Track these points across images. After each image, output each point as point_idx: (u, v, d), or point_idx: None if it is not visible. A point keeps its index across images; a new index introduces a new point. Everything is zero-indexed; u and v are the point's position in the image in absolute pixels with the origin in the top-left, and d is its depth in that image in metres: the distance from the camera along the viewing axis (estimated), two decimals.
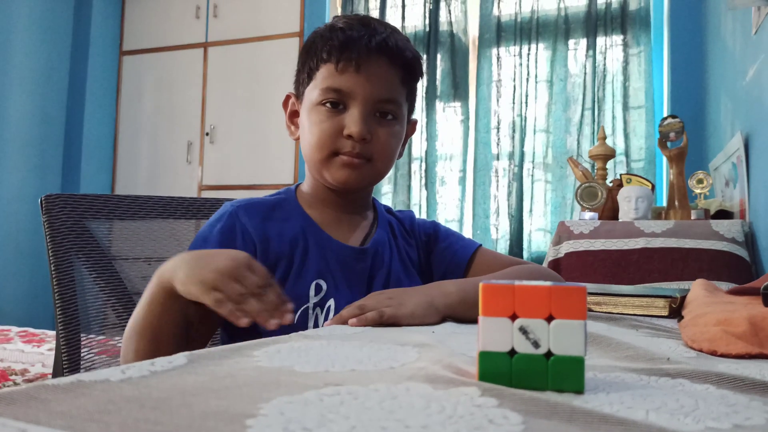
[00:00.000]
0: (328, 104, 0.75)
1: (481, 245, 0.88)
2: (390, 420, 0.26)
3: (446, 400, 0.30)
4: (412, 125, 0.87)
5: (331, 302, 0.75)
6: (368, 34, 0.75)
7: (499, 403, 0.29)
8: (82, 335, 0.78)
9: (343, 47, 0.74)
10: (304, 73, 0.80)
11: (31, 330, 2.34)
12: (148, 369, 0.35)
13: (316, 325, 0.73)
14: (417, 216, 0.93)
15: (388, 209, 0.90)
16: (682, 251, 1.55)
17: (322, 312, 0.74)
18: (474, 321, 0.66)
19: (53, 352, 1.93)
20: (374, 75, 0.75)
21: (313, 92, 0.77)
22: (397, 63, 0.77)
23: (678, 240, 1.59)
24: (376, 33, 0.76)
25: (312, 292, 0.74)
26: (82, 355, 0.77)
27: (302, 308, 0.73)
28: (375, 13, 3.01)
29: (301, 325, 0.72)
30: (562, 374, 0.33)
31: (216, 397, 0.29)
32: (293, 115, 0.83)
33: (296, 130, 0.83)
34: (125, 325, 0.83)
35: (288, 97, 0.84)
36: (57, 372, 0.74)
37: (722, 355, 0.48)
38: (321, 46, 0.77)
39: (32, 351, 1.97)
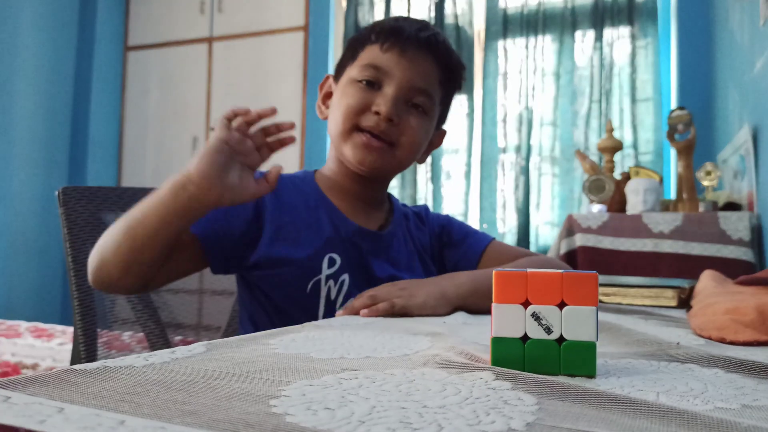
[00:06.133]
0: (364, 82, 0.77)
1: (493, 239, 0.89)
2: (408, 401, 0.27)
3: (461, 384, 0.31)
4: (440, 134, 0.88)
5: (346, 277, 0.76)
6: (419, 28, 0.78)
7: (513, 386, 0.30)
8: (97, 328, 0.79)
9: (393, 31, 0.77)
10: (348, 55, 0.82)
11: (41, 325, 2.37)
12: (170, 356, 0.36)
13: (328, 297, 0.75)
14: None
15: (403, 204, 0.92)
16: (691, 259, 1.57)
17: (335, 285, 0.75)
18: (485, 312, 0.67)
19: (63, 347, 1.97)
20: (416, 63, 0.77)
21: (353, 70, 0.79)
22: (440, 61, 0.79)
23: (686, 244, 1.60)
24: (427, 29, 0.78)
25: (325, 264, 0.75)
26: (98, 346, 0.78)
27: (314, 279, 0.74)
28: (381, 6, 3.01)
29: (313, 296, 0.74)
30: (574, 359, 0.34)
31: (238, 380, 0.30)
32: (326, 97, 0.85)
33: (326, 110, 0.84)
34: (140, 320, 0.85)
35: (326, 79, 0.86)
36: (75, 362, 0.76)
37: (731, 343, 0.48)
38: (371, 30, 0.80)
39: (42, 346, 2.00)
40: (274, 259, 0.74)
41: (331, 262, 0.75)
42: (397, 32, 0.77)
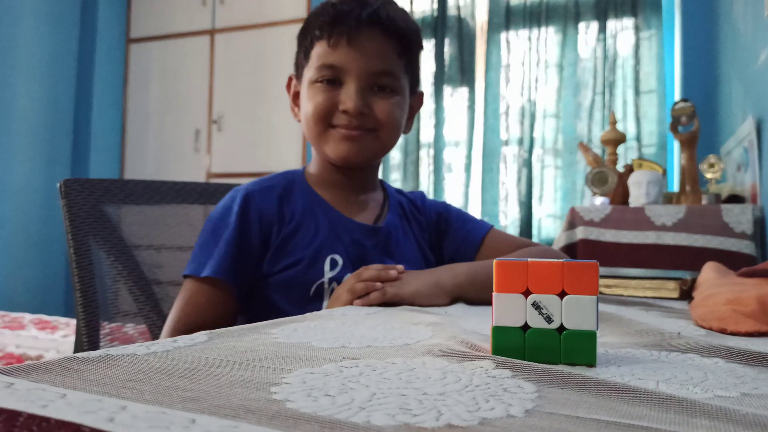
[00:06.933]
0: (324, 81, 0.75)
1: (492, 226, 0.87)
2: (408, 389, 0.27)
3: (462, 372, 0.31)
4: (418, 98, 0.86)
5: (349, 276, 0.75)
6: (359, 7, 0.75)
7: (513, 375, 0.30)
8: (100, 320, 0.79)
9: (334, 22, 0.74)
10: (301, 53, 0.80)
11: (44, 317, 2.38)
12: (172, 345, 0.37)
13: None
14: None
15: (398, 190, 0.89)
16: (693, 251, 1.56)
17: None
18: (485, 303, 0.67)
19: (67, 339, 1.98)
20: (368, 48, 0.75)
21: (309, 71, 0.77)
22: (391, 34, 0.76)
23: (688, 236, 1.59)
24: (367, 5, 0.75)
25: (327, 266, 0.74)
26: (100, 337, 0.79)
27: (317, 283, 0.73)
28: None
29: (317, 299, 0.73)
30: (574, 348, 0.34)
31: (240, 368, 0.30)
32: (296, 97, 0.83)
33: (300, 111, 0.82)
34: (142, 311, 0.85)
35: (290, 80, 0.84)
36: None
37: (731, 333, 0.48)
38: (314, 24, 0.77)
39: (46, 337, 2.01)
40: (279, 267, 0.74)
41: (333, 264, 0.74)
42: (339, 21, 0.74)
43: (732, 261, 1.51)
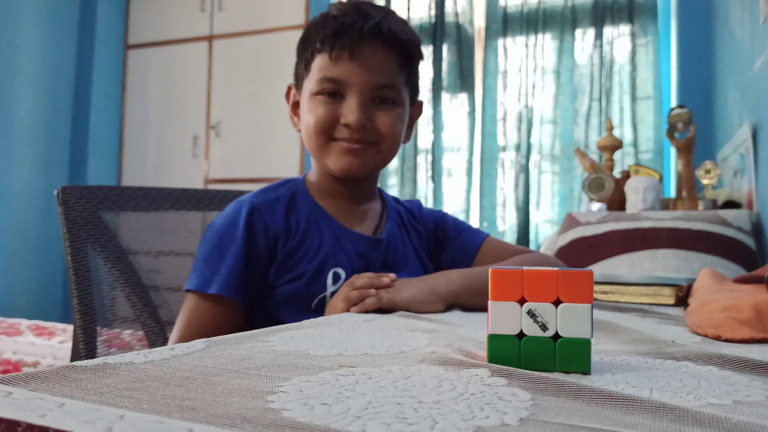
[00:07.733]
0: (325, 94, 0.75)
1: (488, 235, 0.88)
2: (404, 397, 0.27)
3: (457, 380, 0.31)
4: (417, 107, 0.86)
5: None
6: (361, 20, 0.74)
7: (508, 383, 0.31)
8: (97, 327, 0.79)
9: (335, 35, 0.74)
10: (302, 64, 0.79)
11: (42, 323, 2.38)
12: (169, 353, 0.37)
13: None
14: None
15: (395, 199, 0.90)
16: (690, 232, 1.55)
17: None
18: (481, 309, 0.68)
19: (64, 345, 1.97)
20: (369, 62, 0.74)
21: (310, 83, 0.77)
22: (392, 47, 0.76)
23: (687, 222, 1.60)
24: (369, 18, 0.75)
25: (330, 280, 0.74)
26: (97, 344, 0.79)
27: (319, 296, 0.73)
28: (380, 3, 3.00)
29: (318, 313, 0.72)
30: (569, 356, 0.34)
31: (237, 376, 0.31)
32: (295, 107, 0.83)
33: (299, 121, 0.82)
34: (140, 318, 0.85)
35: (289, 89, 0.84)
36: (75, 360, 0.76)
37: (727, 340, 0.49)
38: (315, 36, 0.76)
39: (43, 344, 2.00)
40: (283, 281, 0.73)
41: (336, 277, 0.74)
42: (341, 34, 0.73)
43: (730, 246, 1.51)
